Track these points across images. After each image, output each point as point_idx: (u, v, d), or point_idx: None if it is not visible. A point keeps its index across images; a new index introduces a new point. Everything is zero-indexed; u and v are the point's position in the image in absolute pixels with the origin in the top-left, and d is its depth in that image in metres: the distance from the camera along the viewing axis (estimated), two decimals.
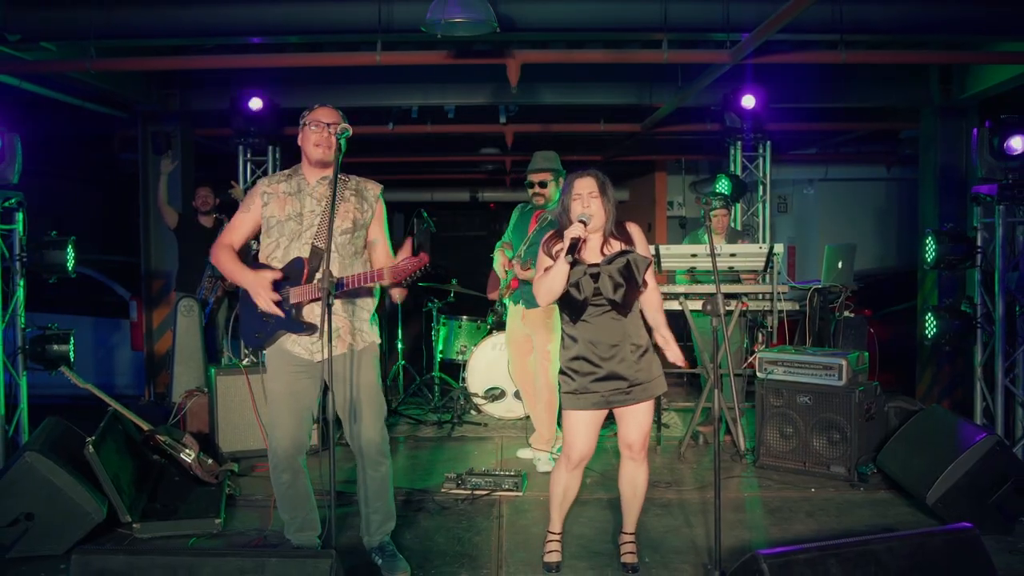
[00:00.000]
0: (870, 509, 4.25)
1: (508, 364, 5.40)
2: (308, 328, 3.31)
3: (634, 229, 3.38)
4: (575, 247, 3.17)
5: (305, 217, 3.34)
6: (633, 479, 3.45)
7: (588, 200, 3.26)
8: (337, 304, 3.30)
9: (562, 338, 3.42)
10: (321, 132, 3.31)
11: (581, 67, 7.13)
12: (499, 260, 5.08)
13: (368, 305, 3.45)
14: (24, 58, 5.54)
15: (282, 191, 3.38)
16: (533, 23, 5.20)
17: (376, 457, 3.43)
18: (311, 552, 3.26)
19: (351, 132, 3.22)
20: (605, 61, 6.40)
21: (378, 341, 3.49)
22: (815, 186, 11.90)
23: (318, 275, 3.13)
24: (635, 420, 3.34)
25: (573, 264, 3.22)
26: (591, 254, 3.33)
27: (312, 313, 3.30)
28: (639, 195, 13.27)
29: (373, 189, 3.47)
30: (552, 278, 3.22)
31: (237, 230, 3.42)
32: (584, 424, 3.32)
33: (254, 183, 6.59)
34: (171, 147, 7.45)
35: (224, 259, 3.35)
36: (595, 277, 3.25)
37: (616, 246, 3.33)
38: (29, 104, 7.14)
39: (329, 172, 3.34)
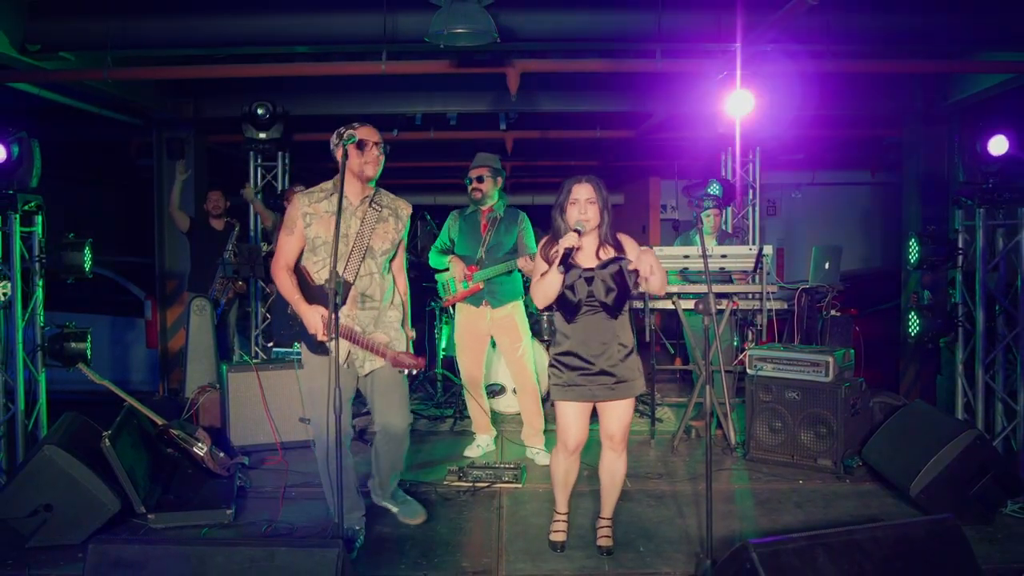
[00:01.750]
0: (855, 500, 4.25)
1: (459, 361, 5.15)
2: (322, 349, 3.40)
3: (625, 239, 3.43)
4: (568, 256, 3.22)
5: (351, 239, 3.41)
6: (612, 468, 3.52)
7: (585, 206, 3.28)
8: (371, 325, 3.49)
9: (555, 333, 3.49)
10: (372, 150, 3.40)
11: (578, 76, 7.12)
12: (457, 268, 4.87)
13: (396, 320, 3.59)
14: (43, 67, 5.54)
15: (323, 210, 3.42)
16: (532, 34, 5.20)
17: (402, 437, 3.70)
18: (319, 542, 3.26)
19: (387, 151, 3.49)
20: (601, 70, 6.40)
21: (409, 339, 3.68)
22: (803, 190, 11.91)
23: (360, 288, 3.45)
24: (616, 415, 3.42)
25: (569, 268, 3.28)
26: (587, 258, 3.35)
27: (344, 323, 3.42)
28: (633, 199, 13.28)
29: (405, 209, 3.61)
30: (547, 284, 3.29)
31: (287, 252, 3.49)
32: (575, 413, 3.40)
33: (282, 194, 6.69)
34: (184, 153, 7.46)
35: (284, 282, 3.45)
36: (589, 281, 3.30)
37: (610, 252, 3.36)
38: (48, 111, 7.15)
39: (370, 191, 3.49)
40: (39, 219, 4.50)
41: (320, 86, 7.30)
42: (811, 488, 4.44)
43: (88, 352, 4.58)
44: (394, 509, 3.75)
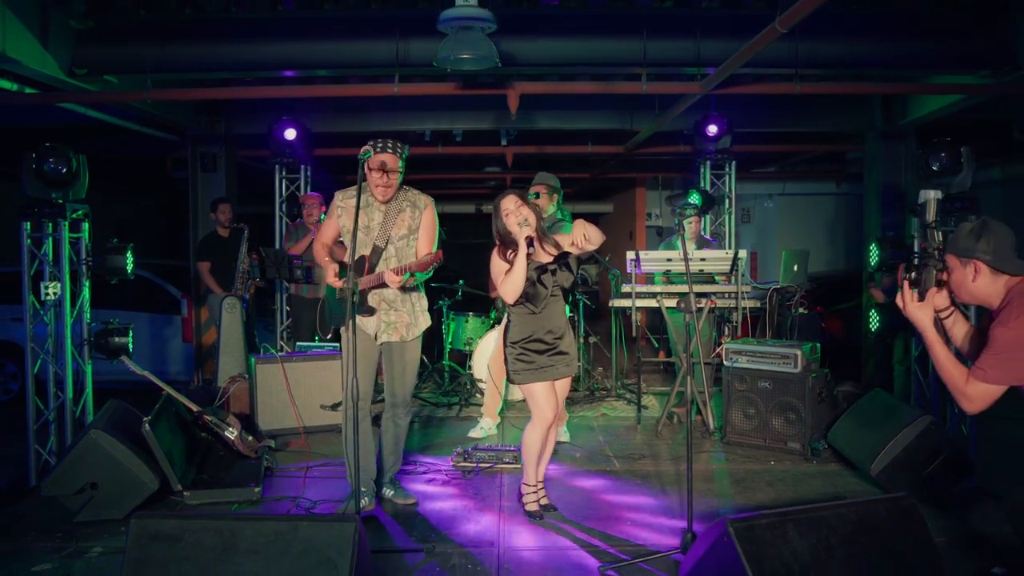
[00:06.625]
0: (822, 480, 4.26)
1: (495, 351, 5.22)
2: (370, 311, 3.55)
3: (559, 235, 3.58)
4: (532, 242, 3.38)
5: (372, 229, 3.56)
6: (551, 435, 3.69)
7: (519, 211, 3.42)
8: (397, 301, 3.60)
9: (513, 325, 3.54)
10: (382, 177, 3.48)
11: (572, 97, 7.13)
12: None
13: (423, 302, 3.72)
14: (89, 89, 5.54)
15: (352, 205, 3.47)
16: (530, 59, 5.20)
17: (405, 409, 3.75)
18: (337, 516, 3.26)
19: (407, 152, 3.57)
20: (592, 92, 6.40)
21: (426, 327, 3.72)
22: (774, 199, 11.90)
23: (378, 269, 3.52)
24: (563, 389, 3.65)
25: (530, 264, 3.41)
26: (541, 255, 3.49)
27: (374, 300, 3.56)
28: (621, 207, 13.27)
29: (423, 199, 3.68)
30: (516, 274, 3.36)
31: (325, 233, 3.69)
32: (547, 390, 3.51)
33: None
34: (216, 167, 7.43)
35: (319, 253, 3.67)
36: (553, 272, 3.47)
37: (552, 248, 3.50)
38: (94, 129, 7.14)
39: (393, 191, 3.58)
40: (86, 226, 4.50)
41: (339, 106, 7.30)
42: (782, 468, 4.45)
43: (130, 346, 4.58)
44: (389, 493, 3.82)
